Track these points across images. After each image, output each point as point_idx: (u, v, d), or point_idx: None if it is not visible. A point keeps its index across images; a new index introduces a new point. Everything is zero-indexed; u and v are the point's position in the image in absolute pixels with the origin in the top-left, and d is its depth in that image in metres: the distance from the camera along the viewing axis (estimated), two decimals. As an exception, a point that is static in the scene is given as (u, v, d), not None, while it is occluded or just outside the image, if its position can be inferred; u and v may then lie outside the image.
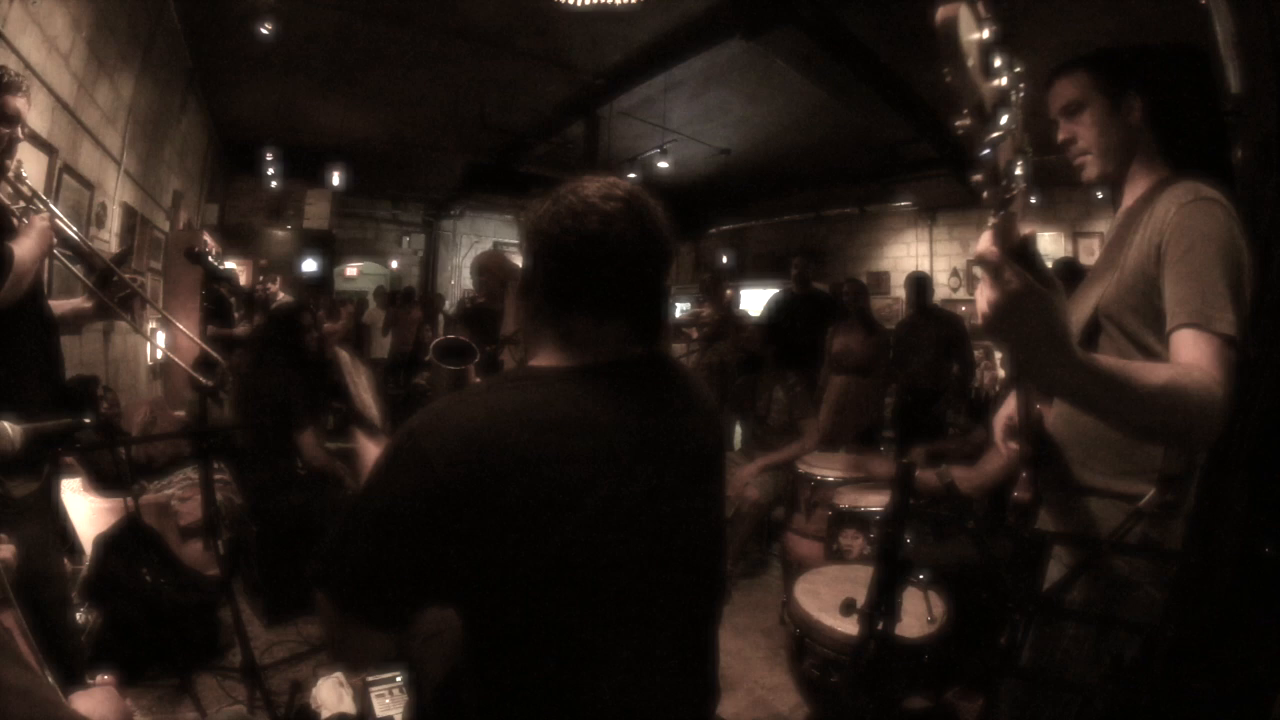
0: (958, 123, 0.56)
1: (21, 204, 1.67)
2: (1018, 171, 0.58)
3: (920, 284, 5.05)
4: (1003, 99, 0.55)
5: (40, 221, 1.64)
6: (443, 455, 0.77)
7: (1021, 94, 0.56)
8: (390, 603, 0.81)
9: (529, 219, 0.90)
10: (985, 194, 0.60)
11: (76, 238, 1.80)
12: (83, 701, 0.87)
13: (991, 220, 0.62)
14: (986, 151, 0.56)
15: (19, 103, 1.58)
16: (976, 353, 5.70)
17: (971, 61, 0.53)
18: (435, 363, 1.26)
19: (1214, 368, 0.89)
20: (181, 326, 2.34)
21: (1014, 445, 1.21)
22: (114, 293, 1.82)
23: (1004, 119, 0.54)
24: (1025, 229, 0.64)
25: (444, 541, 0.76)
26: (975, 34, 0.53)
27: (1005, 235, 0.63)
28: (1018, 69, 0.55)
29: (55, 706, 0.73)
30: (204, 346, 2.17)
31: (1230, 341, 0.91)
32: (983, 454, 2.35)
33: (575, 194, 0.87)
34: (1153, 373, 0.84)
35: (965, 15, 0.52)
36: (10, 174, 1.62)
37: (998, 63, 0.54)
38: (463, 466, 0.76)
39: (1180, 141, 1.12)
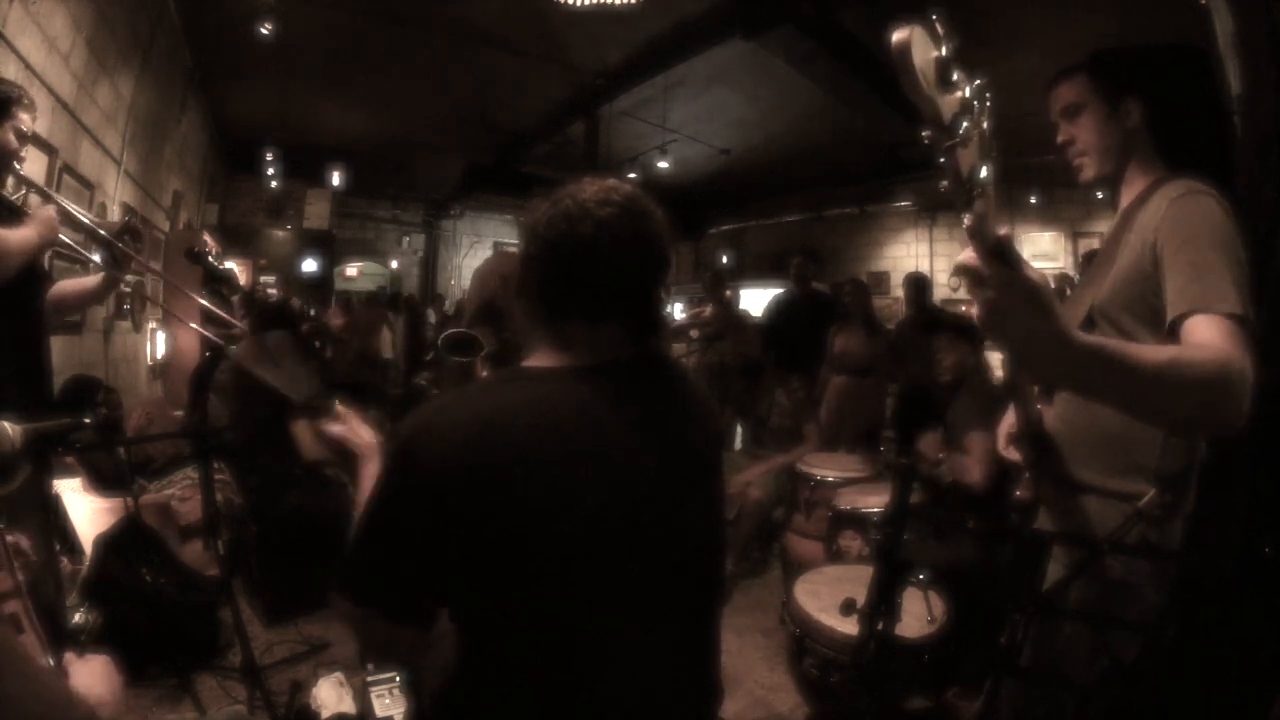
0: (923, 134, 0.59)
1: (22, 192, 1.68)
2: (983, 174, 0.60)
3: (919, 284, 5.04)
4: (964, 109, 0.58)
5: (44, 211, 1.64)
6: (431, 457, 0.77)
7: (987, 102, 0.59)
8: (403, 598, 0.81)
9: (527, 220, 0.90)
10: (953, 199, 0.63)
11: (82, 218, 1.81)
12: (79, 669, 0.87)
13: (965, 225, 0.64)
14: (943, 159, 0.60)
15: (28, 118, 1.61)
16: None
17: (929, 78, 0.56)
18: (443, 355, 1.27)
19: (1227, 344, 0.86)
20: (182, 317, 2.33)
21: (1017, 452, 1.21)
22: (122, 264, 1.84)
23: (963, 128, 0.58)
24: (1002, 230, 0.65)
25: (442, 541, 0.77)
26: (932, 52, 0.57)
27: (981, 236, 0.64)
28: (978, 81, 0.58)
29: (50, 675, 0.73)
30: (204, 333, 2.17)
31: (1239, 320, 0.88)
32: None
33: (572, 198, 0.87)
34: (1157, 351, 0.83)
35: (920, 36, 0.56)
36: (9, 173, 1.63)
37: (955, 77, 0.57)
38: (453, 467, 0.76)
39: (1178, 143, 1.12)
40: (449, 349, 1.30)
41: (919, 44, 0.55)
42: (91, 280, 1.95)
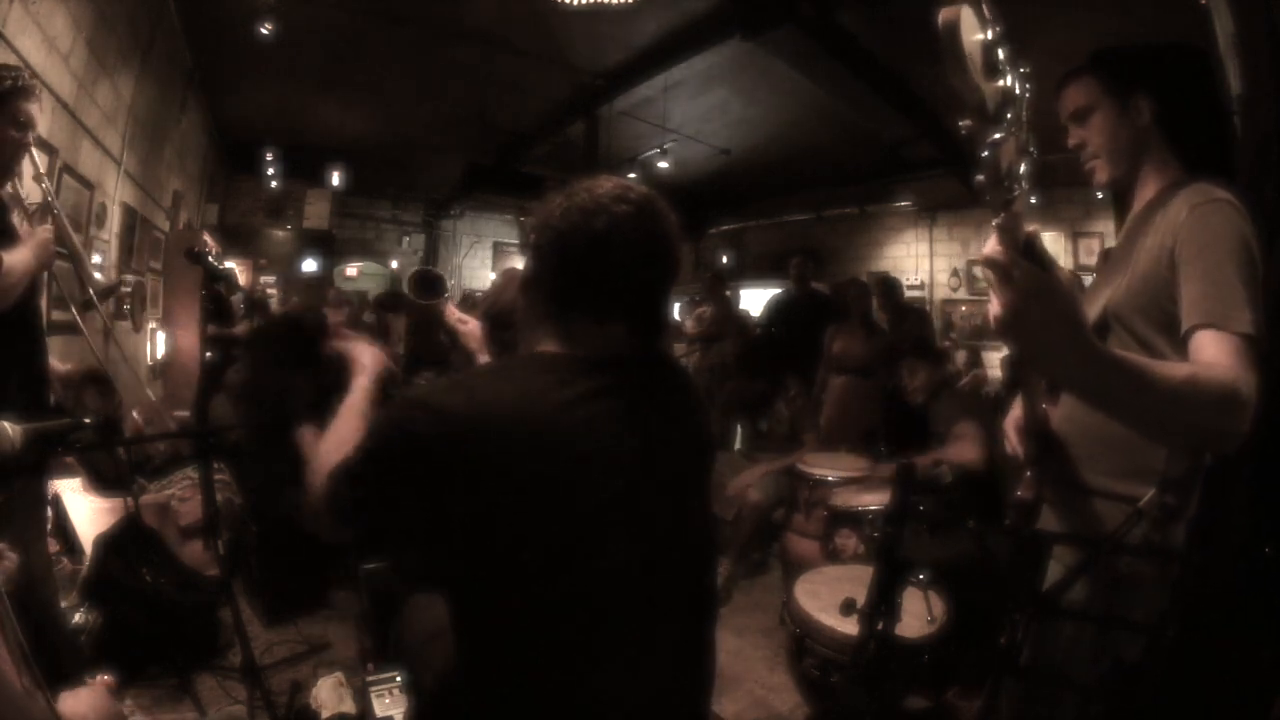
0: (961, 123, 0.55)
1: (30, 201, 1.67)
2: (1021, 171, 0.57)
3: (888, 286, 5.07)
4: (1006, 99, 0.54)
5: (42, 233, 1.63)
6: (436, 437, 0.77)
7: (1028, 94, 0.56)
8: (370, 539, 0.89)
9: (540, 212, 0.90)
10: (988, 195, 0.59)
11: (75, 243, 1.80)
12: (70, 701, 0.86)
13: (995, 221, 0.61)
14: (987, 153, 0.55)
15: (33, 108, 1.58)
16: (961, 353, 5.78)
17: (974, 63, 0.52)
18: (408, 297, 1.28)
19: (1237, 364, 0.86)
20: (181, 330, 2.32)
21: (1022, 448, 1.21)
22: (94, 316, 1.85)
23: (1007, 119, 0.54)
24: (1029, 227, 0.63)
25: (428, 511, 0.78)
26: (978, 35, 0.53)
27: (1011, 235, 0.62)
28: (1023, 69, 0.54)
29: (23, 699, 0.73)
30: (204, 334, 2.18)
31: (1250, 340, 0.89)
32: None
33: (589, 193, 0.87)
34: (1173, 368, 0.83)
35: (968, 17, 0.52)
36: (18, 176, 1.62)
37: (1001, 63, 0.53)
38: (453, 450, 0.77)
39: (1191, 142, 1.11)
40: (415, 288, 1.30)
41: (967, 25, 0.51)
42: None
